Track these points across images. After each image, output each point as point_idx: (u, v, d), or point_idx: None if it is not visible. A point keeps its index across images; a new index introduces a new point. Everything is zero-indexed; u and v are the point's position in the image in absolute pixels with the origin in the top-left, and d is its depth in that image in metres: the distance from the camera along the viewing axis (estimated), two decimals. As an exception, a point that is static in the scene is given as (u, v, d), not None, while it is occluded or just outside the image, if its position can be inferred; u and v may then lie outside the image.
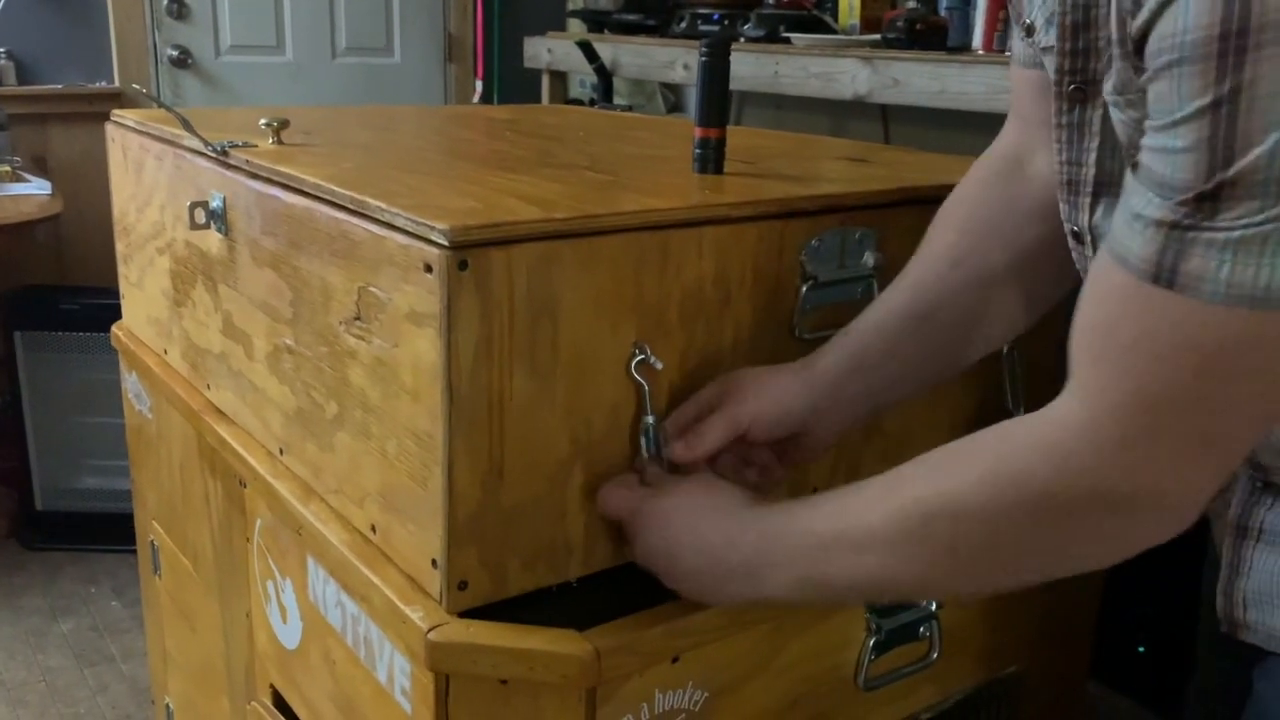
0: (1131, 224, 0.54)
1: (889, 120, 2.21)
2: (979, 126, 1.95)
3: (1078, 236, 0.71)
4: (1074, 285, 0.79)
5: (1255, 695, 0.71)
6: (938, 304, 0.81)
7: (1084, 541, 0.59)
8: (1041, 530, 0.60)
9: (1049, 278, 0.82)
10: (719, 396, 0.79)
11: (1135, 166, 0.55)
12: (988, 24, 1.70)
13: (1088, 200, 0.69)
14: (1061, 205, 0.72)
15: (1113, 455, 0.56)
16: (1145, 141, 0.53)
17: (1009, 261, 0.81)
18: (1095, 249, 0.69)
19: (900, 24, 1.76)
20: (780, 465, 0.84)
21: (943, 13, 1.80)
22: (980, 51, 1.70)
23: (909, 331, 0.81)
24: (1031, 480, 0.58)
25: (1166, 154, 0.51)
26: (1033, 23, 0.74)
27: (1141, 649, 1.61)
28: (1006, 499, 0.59)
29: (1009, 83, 0.85)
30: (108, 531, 2.38)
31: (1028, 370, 0.99)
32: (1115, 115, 0.61)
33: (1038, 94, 0.77)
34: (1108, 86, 0.60)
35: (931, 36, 1.75)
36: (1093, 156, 0.67)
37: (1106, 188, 0.67)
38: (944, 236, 0.83)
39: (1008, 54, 1.63)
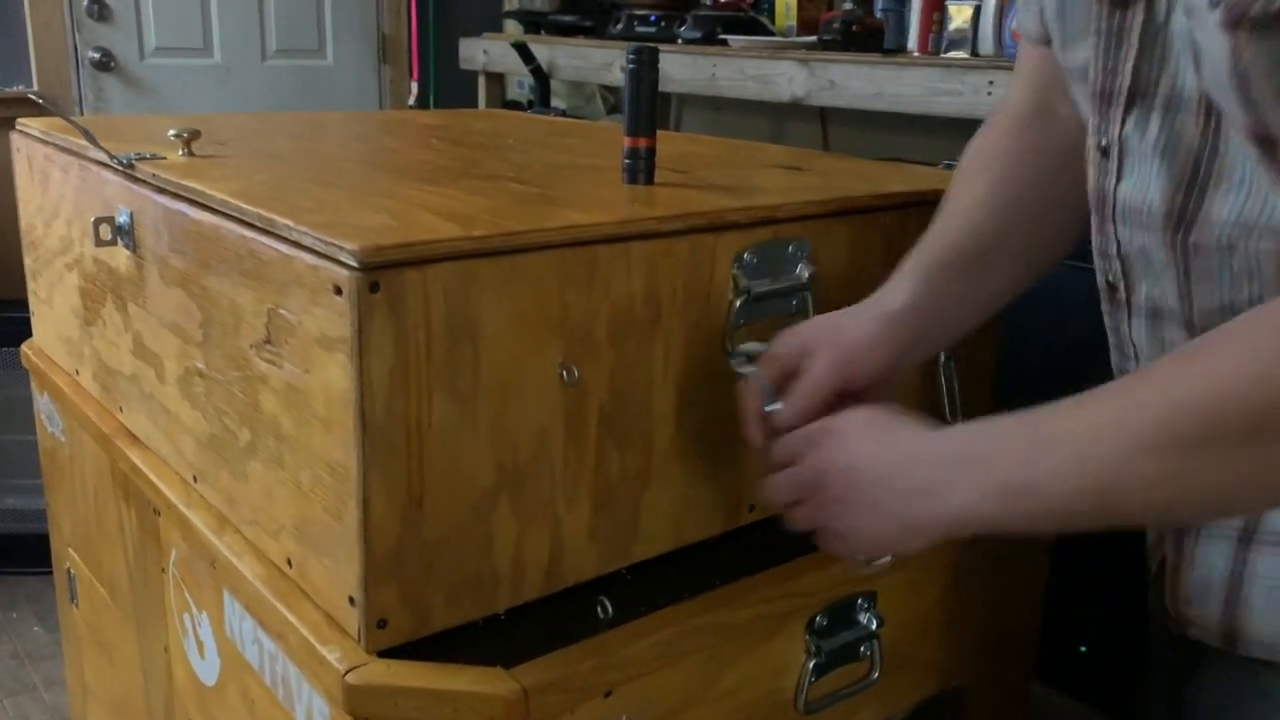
0: None
1: (828, 122, 2.20)
2: (915, 128, 1.95)
3: (1105, 151, 0.70)
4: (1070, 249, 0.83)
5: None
6: (989, 245, 0.82)
7: None
8: None
9: (1062, 229, 0.84)
10: (800, 356, 0.78)
11: None
12: (923, 26, 1.70)
13: (1119, 112, 0.68)
14: (1090, 121, 0.71)
15: None
16: None
17: (1039, 202, 0.83)
18: (1121, 164, 0.69)
19: (836, 26, 1.75)
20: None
21: (878, 14, 1.79)
22: (915, 53, 1.70)
23: (966, 272, 0.81)
24: None
25: None
26: None
27: (1084, 649, 1.62)
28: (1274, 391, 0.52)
29: (1019, 61, 0.87)
30: (29, 553, 2.29)
31: (963, 380, 0.97)
32: (1256, 47, 0.53)
33: (1053, 65, 0.79)
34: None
35: (867, 38, 1.74)
36: (1129, 65, 0.66)
37: (1139, 99, 0.67)
38: (984, 179, 0.84)
39: (944, 56, 1.63)
